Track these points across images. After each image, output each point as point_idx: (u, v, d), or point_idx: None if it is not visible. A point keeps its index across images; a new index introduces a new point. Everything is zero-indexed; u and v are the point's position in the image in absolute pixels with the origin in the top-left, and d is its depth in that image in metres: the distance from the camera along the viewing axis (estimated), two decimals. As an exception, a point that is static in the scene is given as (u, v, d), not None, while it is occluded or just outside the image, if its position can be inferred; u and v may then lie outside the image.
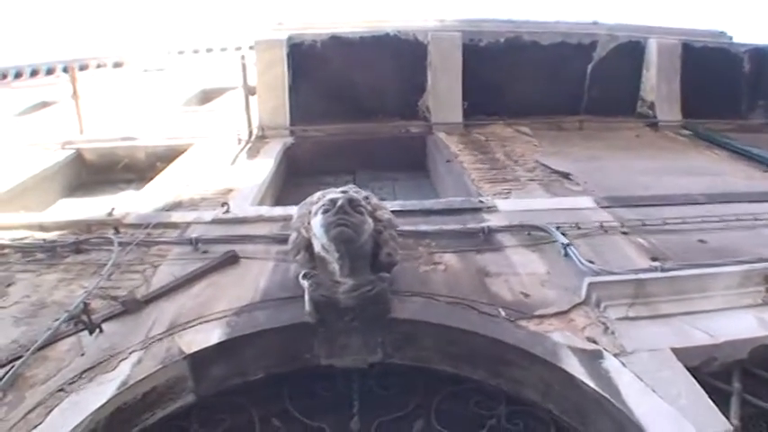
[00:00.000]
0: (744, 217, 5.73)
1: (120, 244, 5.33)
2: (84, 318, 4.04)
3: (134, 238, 5.48)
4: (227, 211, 6.03)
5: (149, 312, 4.35)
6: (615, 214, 5.85)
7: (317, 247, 4.19)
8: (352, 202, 4.09)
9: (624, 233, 5.48)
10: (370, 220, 4.19)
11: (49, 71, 18.80)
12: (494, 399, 3.88)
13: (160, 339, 4.00)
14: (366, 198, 4.35)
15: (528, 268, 4.85)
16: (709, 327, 3.99)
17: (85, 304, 4.12)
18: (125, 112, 12.20)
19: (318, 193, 4.44)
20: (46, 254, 5.41)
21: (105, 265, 5.01)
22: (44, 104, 14.58)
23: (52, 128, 11.07)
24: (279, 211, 6.10)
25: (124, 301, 4.39)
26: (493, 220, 5.67)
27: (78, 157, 9.47)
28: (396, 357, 4.09)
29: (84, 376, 3.69)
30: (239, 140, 9.13)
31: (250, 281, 4.70)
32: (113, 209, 6.21)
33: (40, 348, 3.91)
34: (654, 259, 4.85)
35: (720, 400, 3.47)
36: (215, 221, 5.87)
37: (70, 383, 3.63)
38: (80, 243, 5.47)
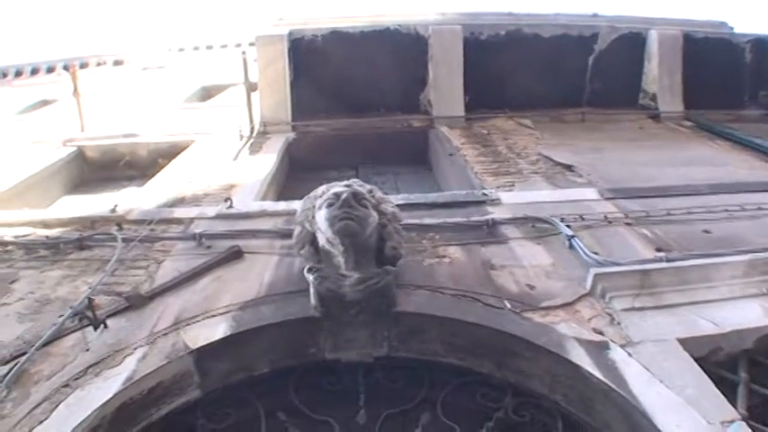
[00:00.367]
0: (748, 207, 5.71)
1: (124, 240, 5.33)
2: (89, 313, 4.04)
3: (137, 234, 5.49)
4: (231, 207, 6.02)
5: (154, 308, 4.35)
6: (619, 205, 5.84)
7: (321, 241, 4.18)
8: (356, 195, 4.09)
9: (628, 224, 5.47)
10: (374, 214, 4.18)
11: (50, 69, 18.79)
12: (500, 391, 3.88)
13: (165, 334, 4.00)
14: (370, 191, 4.35)
15: (533, 260, 4.84)
16: (714, 316, 3.98)
17: (90, 300, 4.11)
18: (126, 110, 12.19)
19: (322, 187, 4.43)
20: (49, 250, 5.42)
21: (109, 261, 5.01)
22: (45, 102, 14.59)
23: (53, 126, 11.08)
24: (282, 205, 6.08)
25: (128, 296, 4.39)
26: (497, 213, 5.65)
27: (80, 155, 9.47)
28: (401, 350, 4.09)
29: (89, 372, 3.69)
30: (241, 136, 9.13)
31: (255, 275, 4.70)
32: (116, 205, 6.20)
33: (45, 344, 3.91)
34: (658, 250, 4.85)
35: (727, 389, 3.46)
36: (218, 217, 5.87)
37: (75, 379, 3.63)
38: (83, 239, 5.47)
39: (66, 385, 3.58)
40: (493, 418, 3.69)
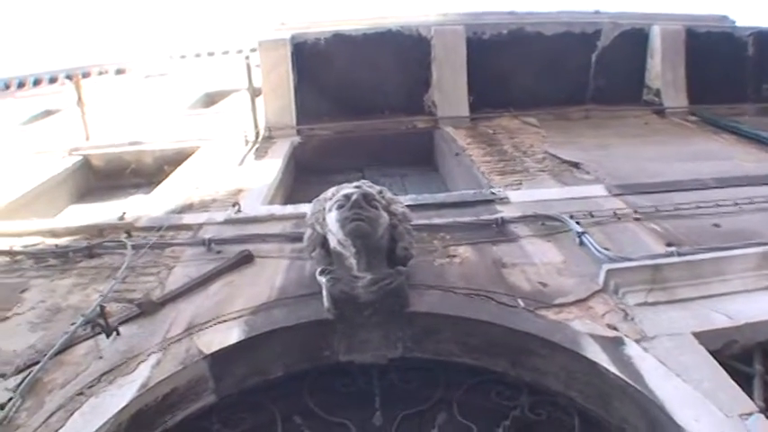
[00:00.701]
0: (757, 199, 5.70)
1: (134, 247, 5.33)
2: (101, 321, 4.03)
3: (147, 240, 5.48)
4: (239, 211, 6.02)
5: (166, 314, 4.34)
6: (627, 201, 5.83)
7: (332, 243, 4.19)
8: (366, 196, 4.10)
9: (638, 219, 5.46)
10: (385, 215, 4.19)
11: (52, 80, 18.84)
12: (516, 389, 3.86)
13: (178, 340, 3.99)
14: (380, 192, 4.35)
15: (544, 258, 4.84)
16: (728, 309, 3.97)
17: (102, 308, 4.11)
18: (130, 118, 12.22)
19: (332, 189, 4.43)
20: (59, 259, 5.43)
21: (119, 268, 5.01)
22: (48, 113, 14.63)
23: (58, 135, 11.10)
24: (290, 209, 6.10)
25: (140, 303, 4.39)
26: (506, 212, 5.65)
27: (86, 164, 9.49)
28: (416, 351, 4.09)
29: (103, 379, 3.69)
30: (246, 141, 9.13)
31: (266, 279, 4.70)
32: (124, 213, 6.21)
33: (58, 353, 3.91)
34: (669, 245, 4.83)
35: (742, 382, 3.44)
36: (227, 222, 5.87)
37: (89, 387, 3.63)
38: (93, 247, 5.48)
39: (81, 393, 3.57)
40: (509, 417, 3.66)
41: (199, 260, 5.14)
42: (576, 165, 7.20)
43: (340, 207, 4.06)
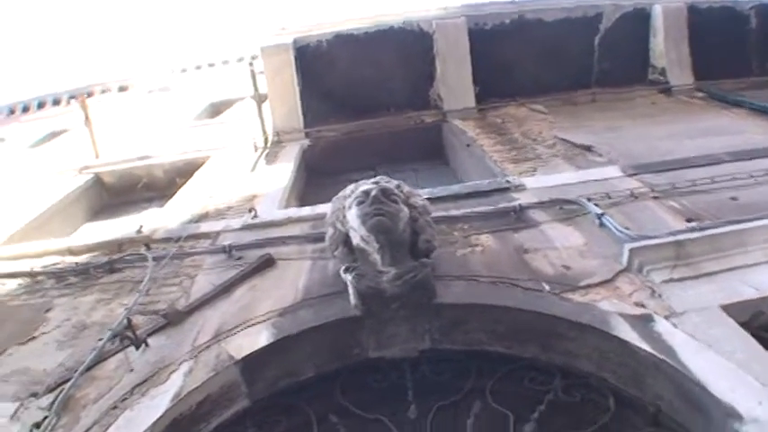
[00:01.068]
0: (772, 171, 5.67)
1: (154, 259, 5.35)
2: (129, 333, 4.05)
3: (167, 252, 5.50)
4: (256, 216, 6.04)
5: (193, 322, 4.37)
6: (643, 180, 5.82)
7: (355, 240, 4.20)
8: (385, 191, 4.11)
9: (655, 198, 5.45)
10: (405, 208, 4.20)
11: (56, 102, 18.91)
12: (548, 374, 3.85)
13: (208, 347, 4.01)
14: (398, 186, 4.36)
15: (565, 241, 4.84)
16: (753, 281, 3.97)
17: (129, 320, 4.12)
18: (137, 133, 12.25)
19: (350, 187, 4.45)
20: (80, 277, 5.47)
21: (141, 282, 5.02)
22: (55, 134, 14.69)
23: (68, 155, 11.16)
24: (307, 210, 6.11)
25: (166, 313, 4.40)
26: (523, 199, 5.66)
27: (98, 181, 9.52)
28: (445, 342, 4.09)
29: (135, 392, 3.71)
30: (256, 147, 9.14)
31: (289, 281, 4.71)
32: (141, 226, 6.24)
33: (89, 368, 3.92)
34: (689, 220, 4.83)
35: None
36: (245, 227, 5.89)
37: (123, 400, 3.65)
38: (113, 262, 5.52)
39: (115, 407, 3.59)
40: (544, 401, 3.64)
41: (220, 267, 5.16)
42: (588, 148, 7.18)
43: (360, 203, 4.08)
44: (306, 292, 4.48)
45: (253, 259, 5.10)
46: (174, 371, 3.83)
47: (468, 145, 8.29)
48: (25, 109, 19.13)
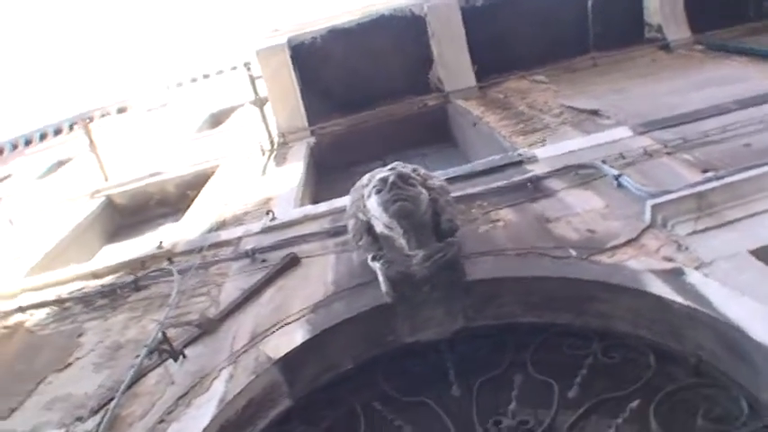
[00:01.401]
0: (781, 115, 5.65)
1: (180, 272, 5.37)
2: (166, 347, 4.07)
3: (191, 263, 5.52)
4: (274, 218, 6.06)
5: (227, 328, 4.39)
6: (654, 137, 5.80)
7: (378, 228, 4.21)
8: (402, 176, 4.12)
9: (669, 153, 5.43)
10: (424, 191, 4.22)
11: (57, 131, 18.91)
12: (585, 338, 3.85)
13: (246, 351, 4.03)
14: (414, 170, 4.38)
15: (586, 206, 4.84)
16: (777, 224, 3.95)
17: (164, 334, 4.14)
18: (143, 152, 12.28)
19: (367, 176, 4.47)
20: (107, 298, 5.50)
21: (168, 296, 5.06)
22: (61, 163, 14.67)
23: (77, 181, 11.18)
24: (323, 206, 6.10)
25: (200, 323, 4.42)
26: (537, 169, 5.66)
27: (110, 204, 9.56)
28: (479, 319, 4.10)
29: (180, 403, 3.73)
30: (263, 151, 9.14)
31: (317, 277, 4.74)
32: (161, 242, 6.26)
33: (130, 386, 3.94)
34: (705, 171, 4.81)
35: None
36: (265, 230, 5.90)
37: (169, 413, 3.67)
38: (138, 280, 5.54)
39: (162, 421, 3.62)
40: (584, 366, 3.66)
41: (246, 272, 5.18)
42: (594, 112, 7.15)
43: (379, 191, 4.09)
44: (335, 286, 4.51)
45: (277, 260, 5.12)
46: (215, 378, 3.85)
47: (474, 124, 8.29)
48: (27, 142, 19.16)
